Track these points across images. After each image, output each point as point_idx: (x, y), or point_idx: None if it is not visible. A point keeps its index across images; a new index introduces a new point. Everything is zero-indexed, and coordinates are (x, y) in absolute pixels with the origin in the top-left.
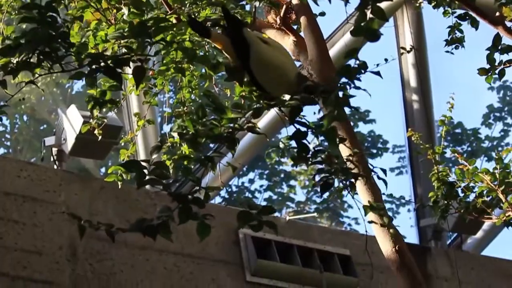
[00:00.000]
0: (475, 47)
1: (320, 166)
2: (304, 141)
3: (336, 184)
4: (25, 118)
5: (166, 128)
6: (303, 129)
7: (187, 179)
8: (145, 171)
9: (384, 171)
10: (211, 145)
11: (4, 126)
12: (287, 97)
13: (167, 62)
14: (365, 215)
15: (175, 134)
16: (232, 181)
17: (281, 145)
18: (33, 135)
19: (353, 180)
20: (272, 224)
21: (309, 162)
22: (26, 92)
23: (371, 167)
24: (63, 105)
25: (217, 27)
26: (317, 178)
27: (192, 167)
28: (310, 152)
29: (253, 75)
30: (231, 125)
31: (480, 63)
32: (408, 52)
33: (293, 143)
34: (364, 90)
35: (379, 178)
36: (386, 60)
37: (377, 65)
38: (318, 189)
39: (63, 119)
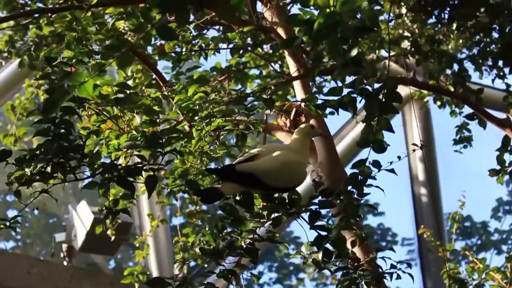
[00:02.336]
0: (486, 138)
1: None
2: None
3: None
4: (35, 211)
5: (175, 221)
6: (323, 233)
7: None
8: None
9: (409, 265)
10: None
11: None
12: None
13: (177, 171)
14: None
15: (197, 249)
16: (241, 274)
17: (304, 250)
18: (43, 228)
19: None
20: None
21: (333, 268)
22: (36, 187)
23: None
24: (73, 198)
25: (228, 132)
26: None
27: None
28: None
29: (268, 186)
30: (251, 236)
31: (491, 154)
32: (420, 148)
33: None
34: (377, 187)
35: (404, 272)
36: (399, 157)
37: (391, 162)
38: None
39: (73, 215)
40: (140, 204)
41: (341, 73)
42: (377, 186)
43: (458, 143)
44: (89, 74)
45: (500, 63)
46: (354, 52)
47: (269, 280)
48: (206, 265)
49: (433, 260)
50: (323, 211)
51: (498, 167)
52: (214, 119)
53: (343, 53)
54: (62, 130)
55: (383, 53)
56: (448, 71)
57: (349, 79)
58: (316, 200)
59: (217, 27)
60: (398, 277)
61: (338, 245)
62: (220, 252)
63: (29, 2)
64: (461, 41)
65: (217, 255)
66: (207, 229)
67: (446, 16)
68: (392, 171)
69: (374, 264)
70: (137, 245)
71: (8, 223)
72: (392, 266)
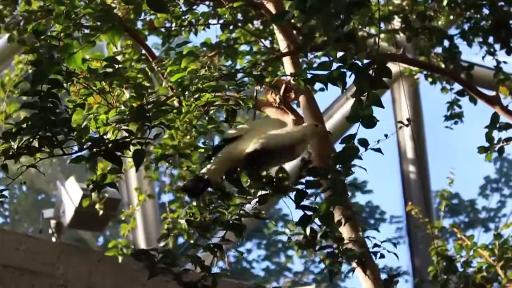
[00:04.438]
0: (473, 116)
1: (328, 250)
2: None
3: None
4: (23, 188)
5: (164, 197)
6: (308, 213)
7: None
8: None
9: (394, 244)
10: None
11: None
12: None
13: (165, 144)
14: None
15: (182, 221)
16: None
17: (288, 231)
18: (31, 205)
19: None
20: None
21: (317, 248)
22: (24, 163)
23: (378, 244)
24: (61, 175)
25: (217, 108)
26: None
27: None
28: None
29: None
30: (238, 211)
31: (478, 132)
32: (406, 125)
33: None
34: (361, 167)
35: (388, 252)
36: (386, 135)
37: (378, 141)
38: (328, 273)
39: (61, 192)
40: (129, 181)
41: (333, 47)
42: (361, 167)
43: (449, 119)
44: (79, 46)
45: (491, 39)
46: (347, 27)
47: (258, 257)
48: (191, 241)
49: (421, 237)
50: (311, 190)
51: (486, 145)
52: (204, 94)
53: (336, 28)
54: (49, 104)
55: (373, 31)
56: (439, 48)
57: (339, 54)
58: (303, 180)
59: (207, 2)
60: (382, 256)
61: (326, 220)
62: (207, 225)
63: None
64: (451, 17)
65: (204, 229)
66: (194, 203)
67: None
68: (379, 150)
69: (360, 243)
70: (123, 218)
71: None
72: (376, 245)
